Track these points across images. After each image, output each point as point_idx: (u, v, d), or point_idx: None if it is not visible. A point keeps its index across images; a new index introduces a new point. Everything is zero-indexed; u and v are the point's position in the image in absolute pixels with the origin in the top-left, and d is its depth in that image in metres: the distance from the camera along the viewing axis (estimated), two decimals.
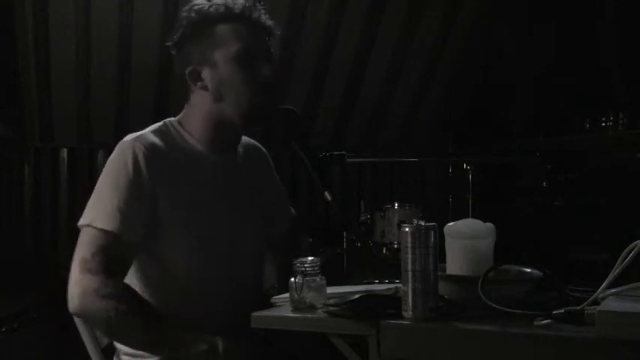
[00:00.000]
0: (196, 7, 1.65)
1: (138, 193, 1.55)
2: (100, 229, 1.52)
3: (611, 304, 1.19)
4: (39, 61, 3.54)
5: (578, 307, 1.22)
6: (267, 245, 1.83)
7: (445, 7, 4.18)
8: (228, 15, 1.63)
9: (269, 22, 1.68)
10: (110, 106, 3.79)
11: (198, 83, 1.65)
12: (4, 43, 3.45)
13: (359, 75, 4.26)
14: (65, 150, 3.81)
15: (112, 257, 1.51)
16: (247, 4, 1.65)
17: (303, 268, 1.43)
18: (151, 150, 1.57)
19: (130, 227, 1.53)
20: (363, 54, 4.18)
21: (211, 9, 1.64)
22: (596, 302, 1.23)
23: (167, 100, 3.83)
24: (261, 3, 1.68)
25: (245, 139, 1.80)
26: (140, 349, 1.56)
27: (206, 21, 1.64)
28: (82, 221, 1.55)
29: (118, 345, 1.63)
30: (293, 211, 1.96)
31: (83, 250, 1.52)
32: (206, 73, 1.64)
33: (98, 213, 1.54)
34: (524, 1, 4.36)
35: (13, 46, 3.48)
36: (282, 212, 1.91)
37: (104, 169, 1.60)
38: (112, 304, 1.47)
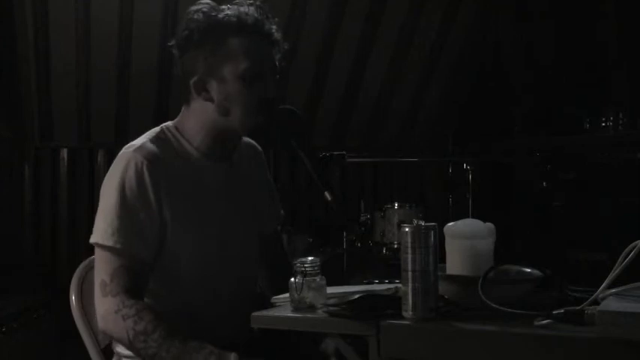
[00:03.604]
0: (205, 11, 1.59)
1: (144, 208, 1.54)
2: (112, 247, 1.52)
3: (611, 304, 1.18)
4: (39, 61, 3.54)
5: (578, 307, 1.22)
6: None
7: (445, 7, 4.19)
8: (239, 28, 1.57)
9: (278, 36, 1.63)
10: (110, 106, 3.79)
11: (203, 94, 1.60)
12: (4, 42, 3.45)
13: (359, 75, 4.26)
14: (65, 150, 3.81)
15: (129, 276, 1.52)
16: (259, 17, 1.59)
17: (303, 268, 1.43)
18: (152, 161, 1.56)
19: (139, 242, 1.53)
20: (363, 54, 4.18)
21: (223, 19, 1.57)
22: (596, 302, 1.22)
23: (167, 100, 3.83)
24: (263, 5, 1.65)
25: None
26: None
27: (216, 30, 1.57)
28: (92, 239, 1.56)
29: (117, 349, 1.62)
30: (282, 211, 1.95)
31: (102, 273, 1.54)
32: (212, 86, 1.59)
33: (106, 230, 1.53)
34: (525, 0, 4.37)
35: (13, 46, 3.48)
36: (272, 211, 1.90)
37: (106, 183, 1.58)
38: (129, 324, 1.48)
